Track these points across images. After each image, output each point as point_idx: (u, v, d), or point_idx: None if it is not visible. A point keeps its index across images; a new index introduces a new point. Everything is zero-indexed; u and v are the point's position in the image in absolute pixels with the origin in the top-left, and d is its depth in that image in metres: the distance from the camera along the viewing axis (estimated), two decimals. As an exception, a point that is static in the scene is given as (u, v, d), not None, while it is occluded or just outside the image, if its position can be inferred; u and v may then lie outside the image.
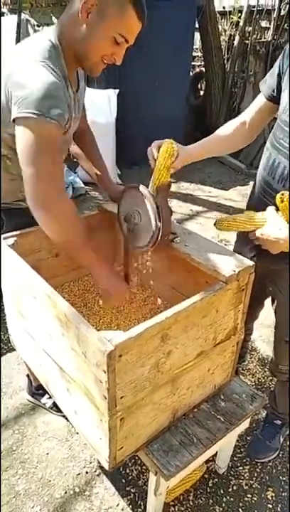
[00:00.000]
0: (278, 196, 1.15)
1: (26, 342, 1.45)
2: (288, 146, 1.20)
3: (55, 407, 1.81)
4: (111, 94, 3.97)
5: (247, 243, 1.41)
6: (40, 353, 1.33)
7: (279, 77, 1.25)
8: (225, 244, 2.88)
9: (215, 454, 1.60)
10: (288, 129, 1.20)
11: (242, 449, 1.75)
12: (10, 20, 4.34)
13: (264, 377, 2.10)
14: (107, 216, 1.54)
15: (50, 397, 1.81)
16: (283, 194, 1.14)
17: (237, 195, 4.25)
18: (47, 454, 1.69)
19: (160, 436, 1.24)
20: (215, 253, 1.22)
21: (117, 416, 1.02)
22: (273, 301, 1.53)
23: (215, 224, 1.30)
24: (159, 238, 1.20)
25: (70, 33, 1.14)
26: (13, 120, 1.08)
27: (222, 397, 1.40)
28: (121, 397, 0.99)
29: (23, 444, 1.73)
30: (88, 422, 1.14)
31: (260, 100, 1.34)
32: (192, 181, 4.54)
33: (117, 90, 3.98)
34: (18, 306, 1.39)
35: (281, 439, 1.77)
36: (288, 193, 1.16)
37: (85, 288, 1.66)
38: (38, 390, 1.85)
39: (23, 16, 4.11)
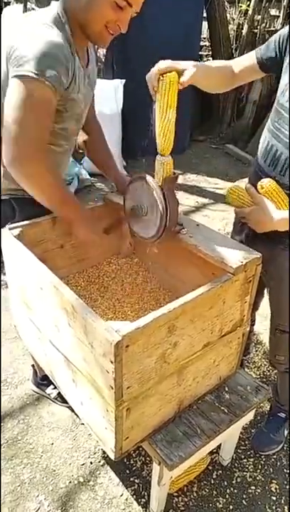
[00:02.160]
0: (259, 184, 1.20)
1: (31, 332, 1.45)
2: (282, 129, 1.20)
3: (60, 398, 1.82)
4: (118, 84, 3.93)
5: (241, 230, 1.41)
6: (46, 343, 1.33)
7: (279, 51, 1.23)
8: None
9: (219, 446, 1.60)
10: (284, 113, 1.19)
11: (246, 442, 1.76)
12: (15, 9, 4.31)
13: (269, 370, 2.10)
14: (113, 207, 1.53)
15: (55, 388, 1.82)
16: (262, 181, 1.19)
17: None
18: (52, 444, 1.70)
19: (165, 426, 1.24)
20: (221, 244, 1.21)
21: (123, 406, 1.02)
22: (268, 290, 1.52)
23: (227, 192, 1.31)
24: (166, 229, 1.20)
25: (73, 3, 1.14)
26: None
27: (227, 389, 1.40)
28: (128, 388, 0.99)
29: (27, 434, 1.74)
30: (94, 412, 1.15)
31: (250, 59, 1.32)
32: (199, 173, 4.50)
33: (124, 81, 3.94)
34: (24, 297, 1.39)
35: (286, 432, 1.77)
36: (267, 180, 1.19)
37: (90, 279, 1.65)
38: (42, 381, 1.85)
39: (28, 5, 4.08)
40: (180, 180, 4.16)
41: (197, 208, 3.80)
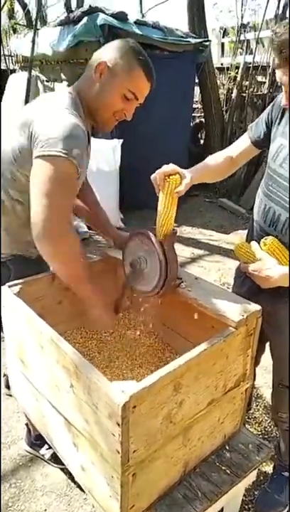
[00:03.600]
0: (262, 241, 1.25)
1: (27, 392, 1.40)
2: (278, 192, 1.28)
3: (54, 459, 1.73)
4: (116, 144, 4.21)
5: (243, 284, 1.44)
6: (44, 404, 1.29)
7: (267, 125, 1.36)
8: (228, 288, 2.91)
9: (222, 510, 1.51)
10: (277, 178, 1.28)
11: (249, 505, 1.66)
12: (21, 77, 4.60)
13: (270, 426, 2.04)
14: (111, 262, 1.55)
15: (49, 448, 1.74)
16: (266, 239, 1.24)
17: (238, 239, 4.36)
18: (45, 510, 1.59)
19: (172, 492, 1.18)
20: (221, 298, 1.22)
21: (129, 471, 0.98)
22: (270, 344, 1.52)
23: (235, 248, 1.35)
24: (166, 283, 1.21)
25: (86, 91, 1.28)
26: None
27: (227, 447, 1.35)
28: (134, 451, 0.96)
29: (19, 500, 1.63)
30: (96, 478, 1.09)
31: (245, 141, 1.45)
32: (194, 225, 4.65)
33: (121, 140, 4.20)
34: (21, 355, 1.36)
35: None
36: (270, 238, 1.25)
37: (88, 335, 1.63)
38: (36, 440, 1.77)
39: (33, 72, 4.36)
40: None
41: (193, 259, 3.87)
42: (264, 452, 1.35)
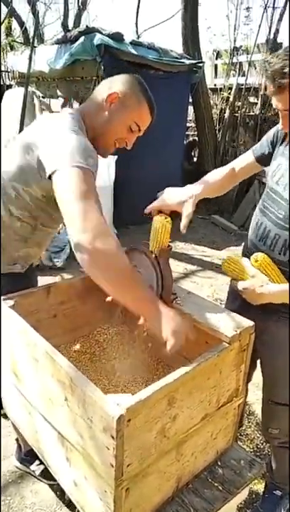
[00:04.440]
0: (252, 257, 1.28)
1: (20, 406, 1.40)
2: (271, 208, 1.33)
3: (45, 475, 1.71)
4: (111, 160, 4.31)
5: (236, 300, 1.47)
6: (37, 418, 1.28)
7: (272, 145, 1.42)
8: (220, 303, 2.93)
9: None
10: (273, 195, 1.33)
11: (242, 524, 1.66)
12: (17, 92, 4.67)
13: (262, 443, 2.04)
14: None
15: (40, 464, 1.72)
16: (256, 255, 1.28)
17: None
18: (34, 528, 1.57)
19: (165, 508, 1.17)
20: (214, 313, 1.24)
21: (123, 486, 0.98)
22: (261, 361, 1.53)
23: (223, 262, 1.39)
24: (161, 299, 1.23)
25: (93, 116, 1.33)
26: (49, 177, 1.14)
27: (219, 463, 1.35)
28: (128, 465, 0.96)
29: (8, 518, 1.60)
30: (89, 494, 1.09)
31: (249, 157, 1.51)
32: (187, 241, 4.72)
33: (116, 157, 4.27)
34: (14, 369, 1.36)
35: None
36: (261, 254, 1.28)
37: (81, 350, 1.64)
38: (27, 456, 1.75)
39: (29, 88, 4.43)
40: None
41: (186, 274, 3.91)
42: (256, 468, 1.35)
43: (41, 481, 1.73)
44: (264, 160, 1.46)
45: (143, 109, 1.35)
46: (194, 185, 1.41)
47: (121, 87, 1.33)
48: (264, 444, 2.02)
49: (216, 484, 1.27)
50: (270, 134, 1.43)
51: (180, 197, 1.34)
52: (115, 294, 1.07)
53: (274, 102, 1.18)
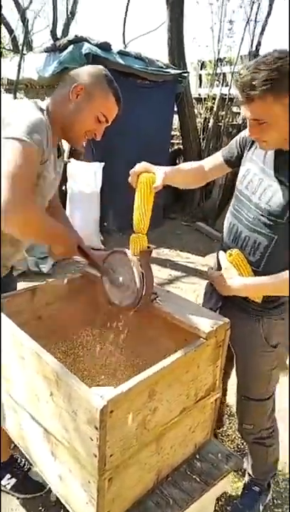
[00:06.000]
0: (228, 252, 1.37)
1: (7, 407, 1.43)
2: (241, 211, 1.41)
3: (17, 488, 1.71)
4: (97, 167, 4.38)
5: (210, 299, 1.54)
6: (23, 415, 1.32)
7: (240, 148, 1.49)
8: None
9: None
10: (243, 198, 1.41)
11: (222, 521, 1.71)
12: (4, 99, 4.71)
13: (242, 443, 2.09)
14: (90, 279, 1.62)
15: (12, 477, 1.71)
16: (231, 251, 1.36)
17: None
18: None
19: (145, 499, 1.23)
20: (193, 311, 1.31)
21: (105, 476, 1.03)
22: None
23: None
24: (142, 298, 1.29)
25: (60, 108, 1.37)
26: None
27: (198, 456, 1.41)
28: (111, 456, 1.01)
29: None
30: (74, 486, 1.13)
31: (218, 158, 1.58)
32: (171, 248, 4.80)
33: (103, 164, 4.34)
34: (2, 370, 1.40)
35: (261, 508, 1.73)
36: (235, 250, 1.36)
37: (65, 351, 1.68)
38: None
39: (17, 94, 4.47)
40: (154, 254, 4.41)
41: (170, 280, 3.98)
42: (233, 461, 1.41)
43: (13, 495, 1.70)
44: (233, 162, 1.53)
45: (110, 100, 1.37)
46: (164, 168, 1.46)
47: (87, 79, 1.35)
48: (245, 444, 2.08)
49: (194, 476, 1.33)
50: (239, 138, 1.50)
51: (154, 166, 1.40)
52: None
53: (243, 110, 1.26)
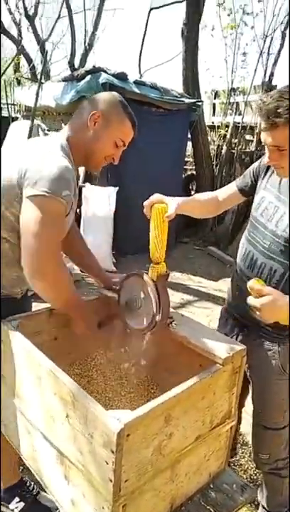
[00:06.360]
0: (254, 280, 1.22)
1: (20, 428, 1.43)
2: (257, 238, 1.42)
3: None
4: (111, 191, 4.49)
5: (226, 325, 1.53)
6: (36, 437, 1.32)
7: (254, 177, 1.52)
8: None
9: None
10: (258, 226, 1.42)
11: None
12: (22, 125, 4.88)
13: (256, 473, 2.04)
14: (106, 301, 1.63)
15: (20, 501, 1.68)
16: (254, 279, 1.21)
17: (226, 286, 4.45)
18: None
19: (158, 528, 1.20)
20: (208, 336, 1.31)
21: (120, 502, 1.02)
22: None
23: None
24: (158, 322, 1.30)
25: (80, 137, 1.41)
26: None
27: (212, 486, 1.38)
28: (126, 481, 1.00)
29: None
30: (87, 511, 1.12)
31: (232, 188, 1.62)
32: (184, 272, 4.81)
33: (117, 188, 4.44)
34: (17, 389, 1.40)
35: None
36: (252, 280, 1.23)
37: (80, 373, 1.68)
38: (5, 494, 1.70)
39: (35, 121, 4.63)
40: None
41: (183, 304, 3.98)
42: (248, 493, 1.38)
43: None
44: (247, 191, 1.56)
45: (126, 125, 1.42)
46: (179, 198, 1.49)
47: (103, 106, 1.39)
48: (258, 474, 2.03)
49: (208, 507, 1.30)
50: (252, 168, 1.54)
51: (167, 197, 1.43)
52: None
53: (264, 136, 1.30)
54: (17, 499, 1.70)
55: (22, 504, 1.69)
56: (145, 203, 1.41)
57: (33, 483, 1.75)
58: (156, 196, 1.42)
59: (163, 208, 1.37)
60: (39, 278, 1.24)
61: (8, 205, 1.32)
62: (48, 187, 1.21)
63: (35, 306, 1.64)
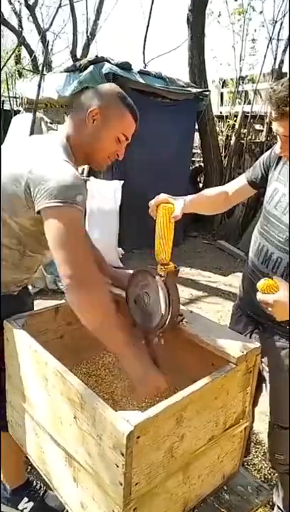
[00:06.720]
0: (266, 279, 1.21)
1: (28, 429, 1.40)
2: (271, 232, 1.36)
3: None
4: (117, 184, 4.40)
5: (239, 322, 1.48)
6: (44, 439, 1.29)
7: (264, 169, 1.46)
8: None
9: None
10: (271, 219, 1.36)
11: None
12: (25, 117, 4.82)
13: (270, 473, 1.99)
14: (114, 299, 1.58)
15: (29, 501, 1.66)
16: (265, 279, 1.21)
17: (236, 281, 4.40)
18: None
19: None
20: (220, 334, 1.27)
21: (131, 506, 0.98)
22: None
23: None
24: (168, 320, 1.26)
25: (80, 137, 1.33)
26: (38, 212, 1.18)
27: (226, 488, 1.34)
28: (136, 484, 0.97)
29: None
30: (96, 515, 1.09)
31: (242, 181, 1.55)
32: (193, 266, 4.74)
33: (122, 182, 4.38)
34: (23, 390, 1.37)
35: None
36: (263, 280, 1.21)
37: (88, 372, 1.65)
38: (14, 495, 1.68)
39: (37, 114, 4.58)
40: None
41: (192, 300, 3.92)
42: (263, 495, 1.33)
43: None
44: (258, 184, 1.50)
45: (127, 119, 1.33)
46: (186, 197, 1.45)
47: (101, 102, 1.31)
48: (272, 474, 1.99)
49: (222, 510, 1.26)
50: (263, 159, 1.48)
51: (173, 197, 1.39)
52: (93, 332, 1.18)
53: (275, 126, 1.24)
54: (26, 499, 1.68)
55: (31, 504, 1.67)
56: (151, 203, 1.36)
57: (39, 482, 1.73)
58: (162, 196, 1.37)
59: (170, 208, 1.32)
60: (80, 289, 1.14)
61: (11, 213, 1.28)
62: (63, 197, 1.15)
63: (38, 305, 1.60)
